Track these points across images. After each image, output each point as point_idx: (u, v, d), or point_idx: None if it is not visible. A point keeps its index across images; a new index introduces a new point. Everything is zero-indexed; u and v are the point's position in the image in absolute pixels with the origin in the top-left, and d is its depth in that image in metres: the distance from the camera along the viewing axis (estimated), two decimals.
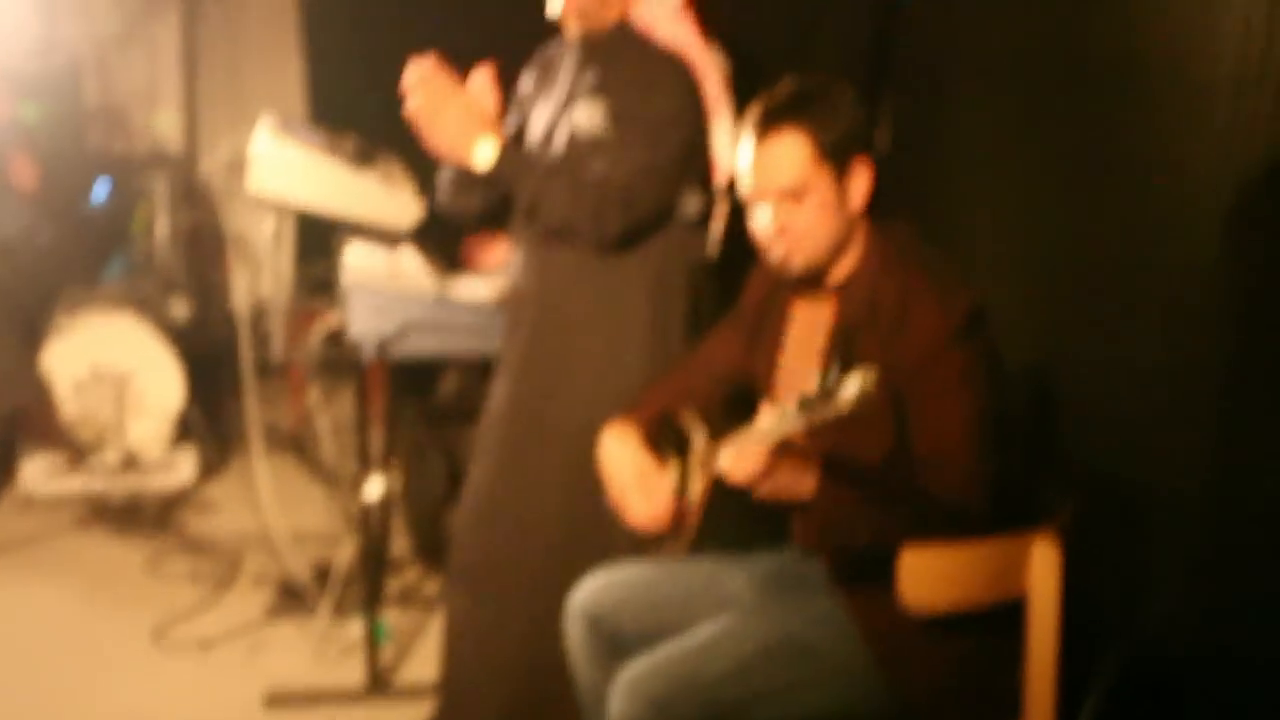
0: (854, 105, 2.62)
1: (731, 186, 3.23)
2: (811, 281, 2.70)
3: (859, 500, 2.46)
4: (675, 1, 3.33)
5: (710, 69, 3.28)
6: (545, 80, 3.48)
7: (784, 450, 2.36)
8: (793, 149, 2.55)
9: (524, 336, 3.39)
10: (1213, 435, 2.97)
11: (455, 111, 3.11)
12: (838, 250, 2.64)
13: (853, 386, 2.08)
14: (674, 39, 3.27)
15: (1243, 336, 2.89)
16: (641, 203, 3.18)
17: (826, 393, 2.12)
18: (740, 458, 2.35)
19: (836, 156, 2.56)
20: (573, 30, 3.33)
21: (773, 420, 2.27)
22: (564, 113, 3.32)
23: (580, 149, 3.22)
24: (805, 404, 2.15)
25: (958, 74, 4.24)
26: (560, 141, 3.28)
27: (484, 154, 3.13)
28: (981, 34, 4.09)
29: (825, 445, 2.45)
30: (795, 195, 2.57)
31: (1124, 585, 3.21)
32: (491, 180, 3.19)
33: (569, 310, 3.33)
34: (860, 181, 2.60)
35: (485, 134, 3.13)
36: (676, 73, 3.22)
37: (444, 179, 3.46)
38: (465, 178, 3.35)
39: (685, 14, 3.33)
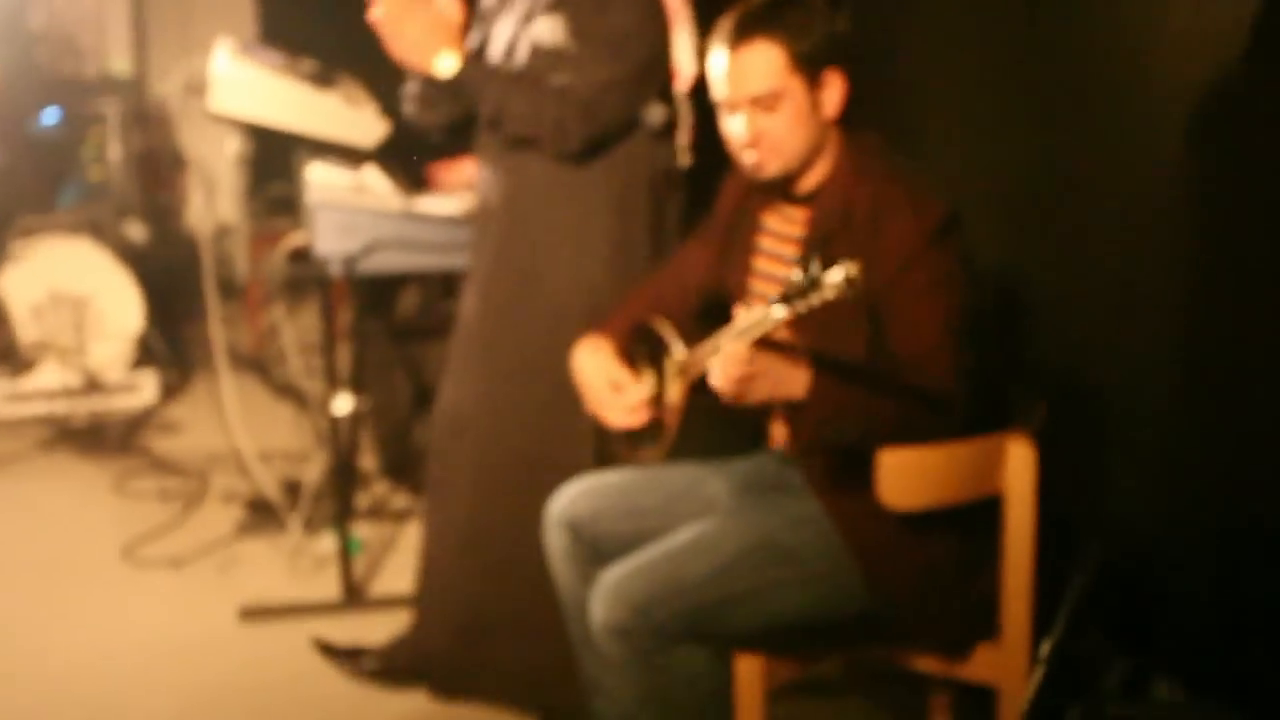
0: (828, 16, 2.63)
1: (694, 94, 3.25)
2: (784, 190, 2.72)
3: (850, 396, 2.47)
4: None
5: None
6: None
7: (770, 348, 2.38)
8: (766, 57, 2.57)
9: (490, 250, 3.39)
10: (1177, 338, 3.01)
11: (421, 20, 3.16)
12: (811, 158, 2.65)
13: (838, 273, 2.12)
14: None
15: (1204, 238, 2.92)
16: (603, 115, 3.19)
17: (811, 281, 2.15)
18: (725, 359, 2.34)
19: (810, 66, 2.58)
20: None
21: (754, 317, 2.29)
22: (525, 27, 3.31)
23: (542, 62, 3.23)
24: (788, 295, 2.19)
25: None
26: (522, 56, 3.28)
27: (446, 63, 3.17)
28: None
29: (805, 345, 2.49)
30: (768, 103, 2.58)
31: (1089, 486, 3.24)
32: (455, 89, 3.22)
33: (535, 222, 3.33)
34: (833, 91, 2.62)
35: (449, 45, 3.18)
36: None
37: (410, 91, 3.45)
38: (431, 89, 3.36)
39: None
